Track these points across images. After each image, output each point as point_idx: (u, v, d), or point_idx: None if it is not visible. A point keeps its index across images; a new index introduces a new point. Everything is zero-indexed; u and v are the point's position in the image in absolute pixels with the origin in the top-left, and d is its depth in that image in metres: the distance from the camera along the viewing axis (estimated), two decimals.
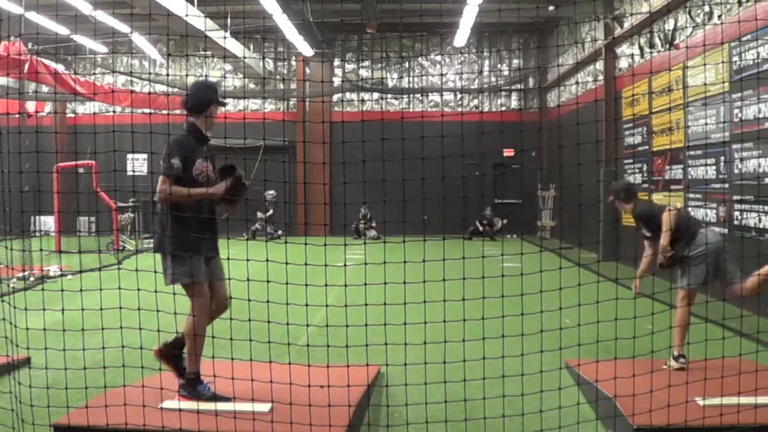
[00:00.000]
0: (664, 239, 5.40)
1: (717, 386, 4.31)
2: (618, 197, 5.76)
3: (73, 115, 21.63)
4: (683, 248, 5.39)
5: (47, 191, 14.05)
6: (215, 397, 4.37)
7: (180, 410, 4.01)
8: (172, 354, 4.53)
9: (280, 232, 18.81)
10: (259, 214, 18.90)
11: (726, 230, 9.27)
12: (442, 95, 21.56)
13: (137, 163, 18.90)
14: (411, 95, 21.64)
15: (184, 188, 4.28)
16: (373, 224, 19.80)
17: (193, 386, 4.43)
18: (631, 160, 13.63)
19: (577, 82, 17.36)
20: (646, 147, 12.88)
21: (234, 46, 17.78)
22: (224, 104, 4.64)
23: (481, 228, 19.43)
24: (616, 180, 6.17)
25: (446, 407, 4.25)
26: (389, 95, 21.82)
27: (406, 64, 21.84)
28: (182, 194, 4.28)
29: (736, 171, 9.18)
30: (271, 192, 19.28)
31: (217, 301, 4.57)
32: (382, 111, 20.89)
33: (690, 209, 10.71)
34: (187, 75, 19.86)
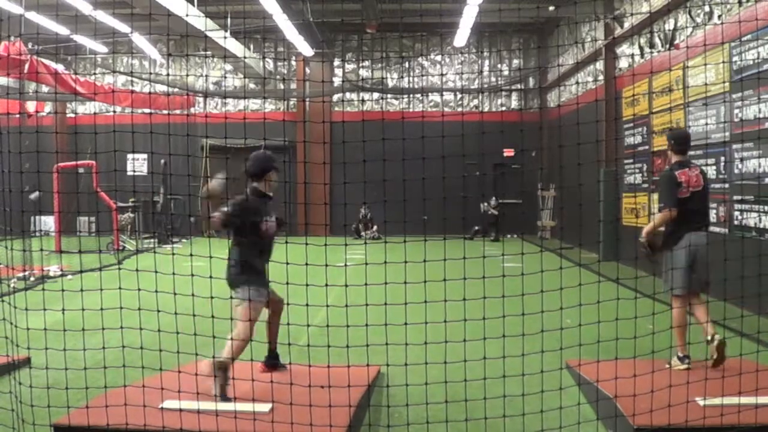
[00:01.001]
0: (648, 227, 5.45)
1: (718, 386, 4.31)
2: (670, 142, 5.70)
3: (73, 115, 21.62)
4: (667, 242, 5.42)
5: (47, 191, 14.05)
6: (224, 398, 4.44)
7: (180, 410, 4.01)
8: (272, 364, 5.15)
9: None
10: None
11: (726, 230, 9.28)
12: (442, 95, 21.56)
13: (137, 163, 18.89)
14: (411, 95, 21.64)
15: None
16: (375, 227, 19.75)
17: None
18: (631, 160, 13.63)
19: (577, 82, 17.36)
20: (646, 147, 12.88)
21: (234, 46, 17.78)
22: (278, 169, 5.14)
23: (489, 210, 19.52)
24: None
25: (447, 407, 4.26)
26: (389, 95, 21.82)
27: (406, 64, 21.84)
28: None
29: (736, 171, 9.18)
30: None
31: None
32: (382, 111, 20.88)
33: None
34: (187, 75, 19.88)
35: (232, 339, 4.62)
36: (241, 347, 4.61)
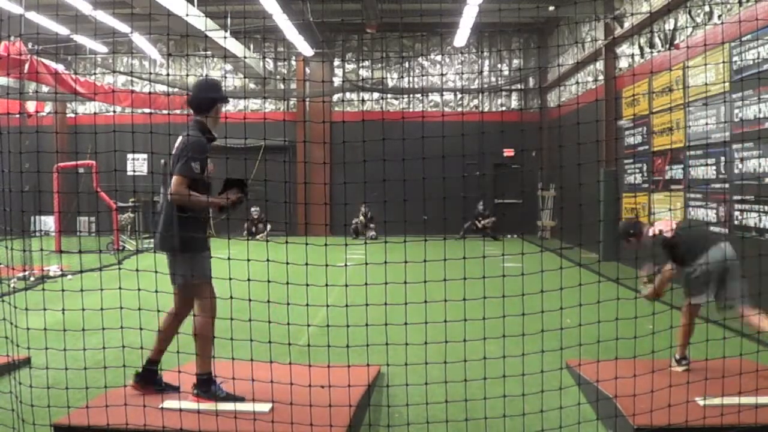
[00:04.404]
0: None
1: (718, 386, 4.31)
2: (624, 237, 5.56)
3: (73, 115, 21.61)
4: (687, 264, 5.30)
5: (47, 191, 14.04)
6: (228, 397, 4.36)
7: (180, 410, 4.01)
8: (149, 378, 4.52)
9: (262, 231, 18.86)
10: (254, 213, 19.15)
11: (726, 230, 9.27)
12: (442, 95, 21.56)
13: (137, 163, 18.88)
14: (411, 95, 21.64)
15: (203, 196, 4.36)
16: (372, 225, 19.66)
17: (207, 387, 4.40)
18: (631, 160, 13.63)
19: (577, 82, 17.36)
20: (647, 147, 12.88)
21: (234, 46, 17.78)
22: (227, 101, 4.67)
23: (478, 225, 19.38)
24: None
25: (447, 407, 4.25)
26: (389, 95, 21.82)
27: (406, 64, 21.84)
28: (201, 201, 4.36)
29: (736, 171, 9.18)
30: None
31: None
32: (382, 111, 20.89)
33: (691, 210, 10.72)
34: (187, 75, 19.85)
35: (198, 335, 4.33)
36: (205, 343, 4.35)
